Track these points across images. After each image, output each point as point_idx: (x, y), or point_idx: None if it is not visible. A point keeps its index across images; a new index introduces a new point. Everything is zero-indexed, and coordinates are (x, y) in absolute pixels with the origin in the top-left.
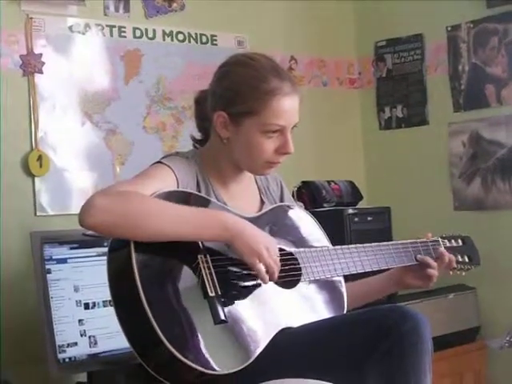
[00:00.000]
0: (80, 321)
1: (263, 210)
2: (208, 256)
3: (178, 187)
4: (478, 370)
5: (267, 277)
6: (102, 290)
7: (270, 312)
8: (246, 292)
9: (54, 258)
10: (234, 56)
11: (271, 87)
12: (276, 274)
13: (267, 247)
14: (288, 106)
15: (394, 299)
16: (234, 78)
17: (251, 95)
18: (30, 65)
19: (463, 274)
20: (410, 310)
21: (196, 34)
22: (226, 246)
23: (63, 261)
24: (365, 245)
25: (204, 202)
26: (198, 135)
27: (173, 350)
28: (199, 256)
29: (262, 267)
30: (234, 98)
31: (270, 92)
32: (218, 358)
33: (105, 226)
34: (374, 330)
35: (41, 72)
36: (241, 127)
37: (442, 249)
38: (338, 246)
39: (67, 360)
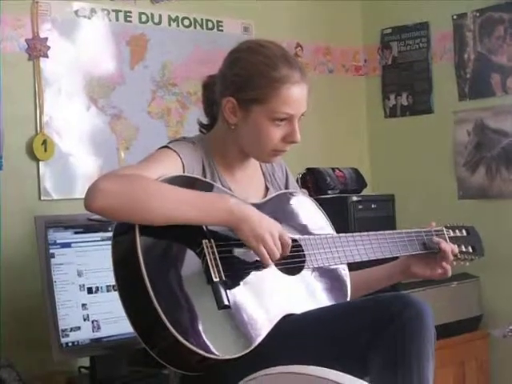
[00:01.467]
0: (83, 305)
1: (268, 197)
2: (213, 241)
3: (184, 172)
4: (480, 359)
5: (269, 260)
6: (106, 275)
7: (273, 298)
8: (249, 278)
9: (58, 242)
10: (245, 42)
11: (281, 75)
12: (277, 257)
13: (271, 232)
14: (297, 95)
15: (398, 287)
16: (245, 65)
17: (261, 82)
18: (36, 49)
19: (467, 264)
20: (413, 297)
21: (202, 19)
22: (231, 230)
23: (67, 245)
24: (369, 233)
25: (209, 188)
26: (204, 120)
27: (176, 334)
28: (204, 241)
29: (264, 251)
30: (243, 85)
31: (280, 80)
32: (220, 344)
33: (110, 209)
34: (377, 318)
35: (46, 56)
36: (249, 114)
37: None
38: (343, 234)
39: (70, 344)
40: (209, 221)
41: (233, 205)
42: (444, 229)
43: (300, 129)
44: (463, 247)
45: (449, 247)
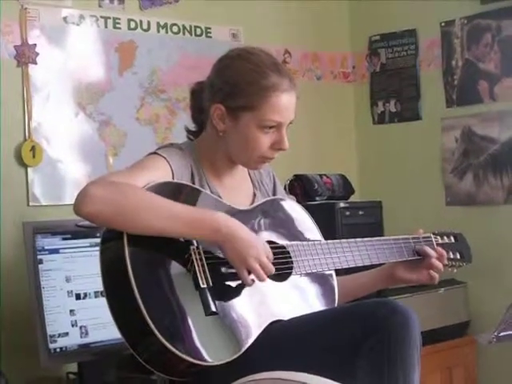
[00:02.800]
0: (71, 311)
1: (256, 203)
2: (200, 247)
3: (173, 178)
4: (467, 365)
5: (250, 282)
6: (94, 281)
7: (261, 304)
8: (237, 284)
9: (46, 248)
10: (234, 49)
11: (270, 83)
12: (262, 278)
13: (257, 255)
14: (286, 103)
15: (384, 293)
16: (234, 72)
17: (250, 90)
18: (25, 55)
19: (454, 270)
20: (398, 304)
21: (190, 26)
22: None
23: (55, 251)
24: (357, 240)
25: (198, 194)
26: (192, 126)
27: (163, 340)
28: (191, 247)
29: (246, 274)
30: (232, 92)
31: (269, 88)
32: (208, 349)
33: (99, 215)
34: (363, 324)
35: (35, 63)
36: (238, 121)
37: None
38: (331, 241)
39: (58, 350)
40: (195, 237)
41: (221, 222)
42: (432, 235)
43: (288, 136)
44: (451, 254)
45: (438, 253)
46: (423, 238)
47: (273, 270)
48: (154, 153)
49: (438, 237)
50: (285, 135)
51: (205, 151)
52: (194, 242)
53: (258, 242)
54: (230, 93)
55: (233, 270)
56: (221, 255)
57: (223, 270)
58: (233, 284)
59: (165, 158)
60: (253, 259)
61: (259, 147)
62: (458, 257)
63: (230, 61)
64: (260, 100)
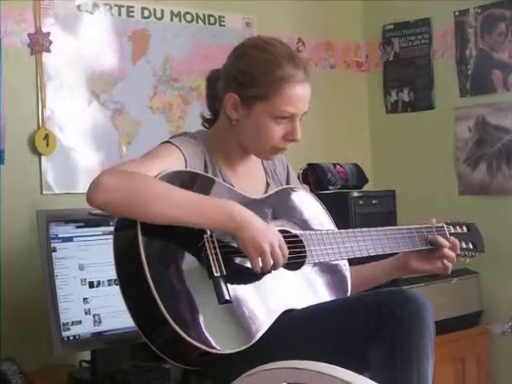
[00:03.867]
0: (85, 299)
1: (269, 192)
2: (214, 236)
3: (186, 167)
4: (479, 355)
5: (260, 270)
6: (107, 269)
7: (273, 293)
8: (250, 273)
9: (59, 236)
10: (251, 39)
11: (285, 74)
12: (268, 268)
13: (271, 242)
14: (300, 94)
15: (398, 283)
16: (249, 61)
17: (265, 80)
18: (38, 43)
19: (467, 260)
20: (412, 293)
21: (204, 14)
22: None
23: (69, 239)
24: (370, 229)
25: (211, 183)
26: (207, 114)
27: (177, 328)
28: (205, 236)
29: (258, 263)
30: (247, 81)
31: (284, 78)
32: (221, 338)
33: (112, 204)
34: (376, 313)
35: (48, 51)
36: (251, 110)
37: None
38: (343, 230)
39: (71, 338)
40: (209, 226)
41: (234, 211)
42: (445, 225)
43: (301, 125)
44: (464, 244)
45: (451, 242)
46: (436, 227)
47: (286, 256)
48: (167, 142)
49: (451, 226)
50: (298, 126)
51: (218, 140)
52: (208, 231)
53: (271, 231)
54: (244, 82)
55: (246, 259)
56: (234, 244)
57: (236, 258)
58: (246, 273)
59: (178, 147)
60: (266, 246)
61: (271, 137)
62: (471, 247)
63: (246, 50)
64: (274, 91)
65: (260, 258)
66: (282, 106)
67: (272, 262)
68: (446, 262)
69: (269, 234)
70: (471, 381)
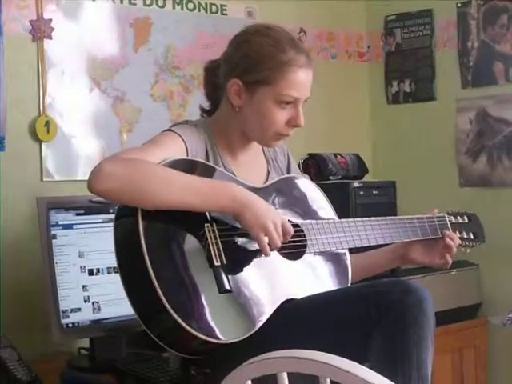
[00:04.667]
0: (84, 287)
1: (270, 181)
2: (214, 225)
3: (187, 155)
4: (478, 346)
5: (268, 250)
6: (107, 257)
7: (274, 282)
8: (251, 262)
9: (59, 223)
10: (252, 26)
11: (288, 58)
12: (277, 247)
13: (274, 221)
14: (303, 78)
15: (398, 274)
16: (252, 47)
17: (268, 64)
18: (40, 30)
19: (468, 250)
20: (413, 284)
21: (206, 3)
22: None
23: (69, 226)
24: (371, 218)
25: (212, 171)
26: (206, 105)
27: (177, 317)
28: (206, 225)
29: (265, 240)
30: (250, 66)
31: (287, 63)
32: (221, 327)
33: (113, 192)
34: (377, 304)
35: (50, 38)
36: (255, 96)
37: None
38: (344, 219)
39: (70, 325)
40: (212, 208)
41: (236, 192)
42: (446, 215)
43: (303, 114)
44: (464, 234)
45: (453, 235)
46: (437, 217)
47: (291, 233)
48: (169, 130)
49: (452, 217)
50: (301, 111)
51: (219, 128)
52: (208, 218)
53: (274, 210)
54: (247, 67)
55: (247, 247)
56: (235, 232)
57: (238, 247)
58: (247, 262)
59: (179, 135)
60: (270, 224)
61: (275, 123)
62: (472, 237)
63: (248, 36)
64: (278, 75)
65: (266, 237)
66: (286, 90)
67: (278, 240)
68: (447, 255)
69: (271, 213)
70: (469, 372)
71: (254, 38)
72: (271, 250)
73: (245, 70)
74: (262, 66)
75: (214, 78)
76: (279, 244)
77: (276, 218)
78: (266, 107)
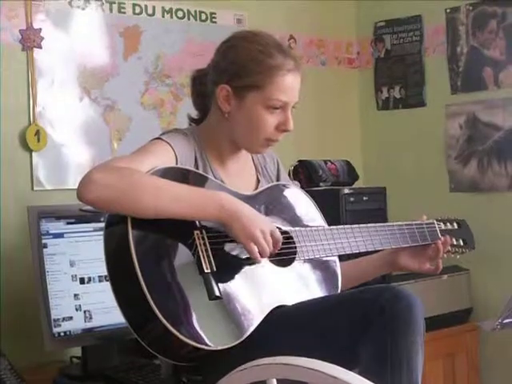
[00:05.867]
0: (75, 295)
1: (260, 189)
2: (204, 232)
3: (176, 164)
4: (469, 351)
5: (259, 258)
6: (98, 265)
7: (264, 289)
8: (241, 269)
9: (50, 232)
10: (238, 32)
11: (277, 63)
12: (268, 254)
13: (262, 230)
14: (292, 83)
15: (388, 279)
16: (240, 52)
17: (256, 69)
18: (30, 39)
19: (457, 257)
20: (402, 290)
21: (195, 11)
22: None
23: (60, 235)
24: (360, 225)
25: (202, 179)
26: (194, 114)
27: (167, 324)
28: (195, 232)
29: (254, 248)
30: (238, 72)
31: (276, 67)
32: (211, 334)
33: (102, 201)
34: (367, 310)
35: (40, 47)
36: (244, 101)
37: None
38: (334, 226)
39: (62, 334)
40: (200, 217)
41: (224, 200)
42: (435, 222)
43: (293, 121)
44: (454, 240)
45: (442, 241)
46: (426, 224)
47: (280, 241)
48: (158, 138)
49: (441, 223)
50: (290, 116)
51: (208, 136)
52: (198, 225)
53: (262, 218)
54: (236, 73)
55: (237, 254)
56: (225, 239)
57: (227, 254)
58: (237, 269)
59: (168, 144)
60: (258, 233)
61: (265, 128)
62: (461, 243)
63: (235, 42)
64: (266, 79)
65: (255, 246)
66: (275, 94)
67: (267, 248)
68: (439, 262)
69: (259, 221)
70: (461, 377)
71: (242, 43)
72: (262, 257)
73: (233, 75)
74: (251, 71)
75: (202, 86)
76: (268, 252)
77: (264, 226)
78: (256, 112)
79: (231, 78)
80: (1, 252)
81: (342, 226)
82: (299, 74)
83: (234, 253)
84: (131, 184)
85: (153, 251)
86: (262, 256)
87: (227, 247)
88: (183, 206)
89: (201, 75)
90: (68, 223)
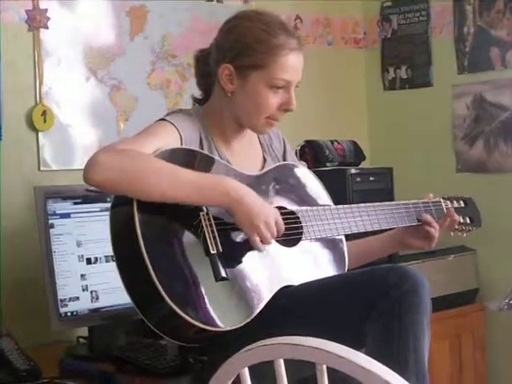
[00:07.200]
0: (82, 275)
1: (266, 168)
2: (210, 213)
3: (181, 144)
4: (476, 332)
5: (261, 247)
6: (105, 245)
7: (271, 269)
8: (247, 249)
9: (57, 212)
10: (242, 11)
11: (280, 42)
12: (270, 243)
13: (266, 221)
14: (295, 62)
15: (395, 259)
16: (243, 32)
17: (260, 48)
18: (36, 20)
19: (464, 235)
20: (409, 270)
21: None
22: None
23: (66, 216)
24: (367, 204)
25: (208, 160)
26: (198, 94)
27: (174, 306)
28: (201, 213)
29: (257, 239)
30: (241, 51)
31: (279, 46)
32: (218, 315)
33: (108, 183)
34: (373, 290)
35: (46, 27)
36: (247, 80)
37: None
38: (340, 206)
39: (69, 314)
40: (203, 202)
41: (230, 187)
42: (442, 200)
43: (298, 101)
44: (461, 218)
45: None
46: (433, 202)
47: (282, 231)
48: (163, 119)
49: (448, 201)
50: (293, 95)
51: (213, 116)
52: (204, 208)
53: (267, 207)
54: (239, 52)
55: (243, 235)
56: (230, 221)
57: (233, 235)
58: (243, 249)
59: (173, 124)
60: (261, 221)
61: (268, 107)
62: (468, 221)
63: (238, 21)
64: (270, 58)
65: (257, 235)
66: (278, 73)
67: (269, 237)
68: (431, 232)
69: (264, 210)
70: (467, 357)
71: (245, 22)
72: (268, 243)
73: (236, 54)
74: (254, 51)
75: (205, 66)
76: (270, 241)
77: (268, 216)
78: (259, 91)
79: (234, 57)
80: (8, 232)
81: (348, 206)
82: (302, 53)
83: (240, 234)
84: (137, 166)
85: (159, 232)
86: (263, 243)
87: (233, 228)
88: (188, 192)
89: (204, 55)
90: (75, 203)
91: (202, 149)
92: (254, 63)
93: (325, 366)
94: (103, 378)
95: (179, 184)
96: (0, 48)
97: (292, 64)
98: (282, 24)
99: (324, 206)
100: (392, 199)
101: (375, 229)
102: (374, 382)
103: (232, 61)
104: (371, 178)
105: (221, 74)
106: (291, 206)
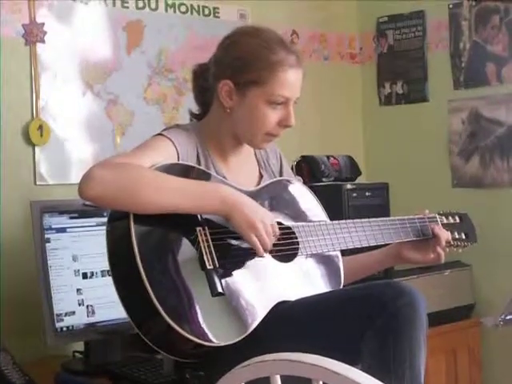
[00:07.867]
0: (78, 290)
1: (262, 184)
2: (206, 228)
3: (178, 160)
4: (471, 347)
5: (262, 250)
6: (101, 260)
7: (267, 285)
8: (243, 265)
9: (53, 227)
10: (241, 27)
11: (279, 58)
12: (269, 246)
13: (263, 221)
14: (294, 78)
15: (391, 274)
16: (243, 48)
17: (259, 65)
18: (33, 34)
19: (460, 250)
20: (406, 285)
21: (198, 5)
22: (225, 218)
23: (62, 230)
24: (362, 220)
25: (204, 176)
26: (196, 109)
27: (170, 321)
28: (198, 228)
29: (256, 240)
30: (241, 67)
31: (278, 63)
32: (214, 330)
33: (104, 198)
34: (370, 306)
35: (43, 41)
36: (246, 97)
37: (438, 227)
38: (336, 221)
39: (65, 329)
40: (202, 210)
41: (225, 193)
42: (437, 215)
43: (295, 116)
44: (456, 234)
45: (442, 232)
46: (428, 218)
47: (277, 234)
48: (160, 134)
49: (443, 217)
50: (292, 111)
51: (210, 131)
52: (200, 221)
53: (263, 210)
54: (238, 68)
55: (239, 250)
56: (227, 235)
57: (230, 250)
58: (239, 265)
59: (170, 140)
60: (258, 222)
61: (267, 123)
62: (464, 237)
63: (237, 37)
64: (269, 75)
65: (256, 238)
66: (277, 89)
67: (268, 240)
68: (438, 249)
69: (260, 211)
70: (463, 373)
71: (244, 39)
72: (263, 249)
73: (235, 70)
74: (253, 67)
75: (203, 81)
76: (270, 244)
77: (265, 217)
78: (258, 108)
79: (233, 73)
80: (4, 247)
81: (343, 221)
82: (301, 70)
83: (236, 249)
84: (132, 180)
85: (155, 247)
86: (263, 247)
87: (229, 243)
88: (184, 200)
89: (202, 70)
90: (71, 218)
91: (198, 164)
92: (253, 79)
93: (321, 383)
94: None
95: (175, 194)
96: None
97: (291, 80)
98: (281, 40)
99: (320, 221)
100: (388, 214)
101: (371, 244)
102: None
103: (231, 77)
104: (367, 194)
105: (220, 90)
106: (287, 222)
